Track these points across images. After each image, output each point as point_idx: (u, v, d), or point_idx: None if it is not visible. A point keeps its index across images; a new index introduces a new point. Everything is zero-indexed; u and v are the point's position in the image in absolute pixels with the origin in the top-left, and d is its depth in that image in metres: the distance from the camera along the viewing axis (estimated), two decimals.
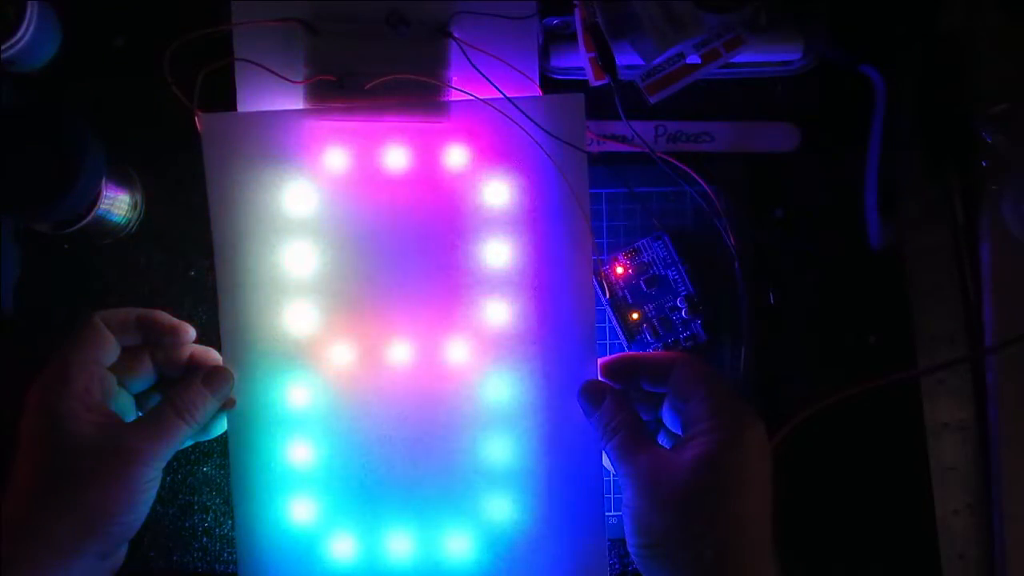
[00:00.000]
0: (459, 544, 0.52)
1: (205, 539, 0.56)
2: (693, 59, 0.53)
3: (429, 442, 0.53)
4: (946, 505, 0.55)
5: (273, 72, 0.52)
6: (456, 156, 0.53)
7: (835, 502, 0.56)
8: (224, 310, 0.52)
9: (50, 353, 0.47)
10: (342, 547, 0.52)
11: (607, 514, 0.54)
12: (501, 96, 0.52)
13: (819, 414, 0.53)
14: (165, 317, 0.51)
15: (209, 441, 0.54)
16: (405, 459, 0.52)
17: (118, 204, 0.55)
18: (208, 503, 0.56)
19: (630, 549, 0.45)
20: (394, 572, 0.52)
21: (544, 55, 0.55)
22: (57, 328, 0.56)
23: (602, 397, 0.49)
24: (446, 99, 0.52)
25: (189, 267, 0.57)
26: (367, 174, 0.53)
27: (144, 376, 0.50)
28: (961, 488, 0.55)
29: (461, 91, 0.52)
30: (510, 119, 0.52)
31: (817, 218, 0.57)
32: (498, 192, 0.53)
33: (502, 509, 0.52)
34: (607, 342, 0.57)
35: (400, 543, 0.52)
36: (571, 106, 0.52)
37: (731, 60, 0.54)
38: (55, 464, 0.44)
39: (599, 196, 0.57)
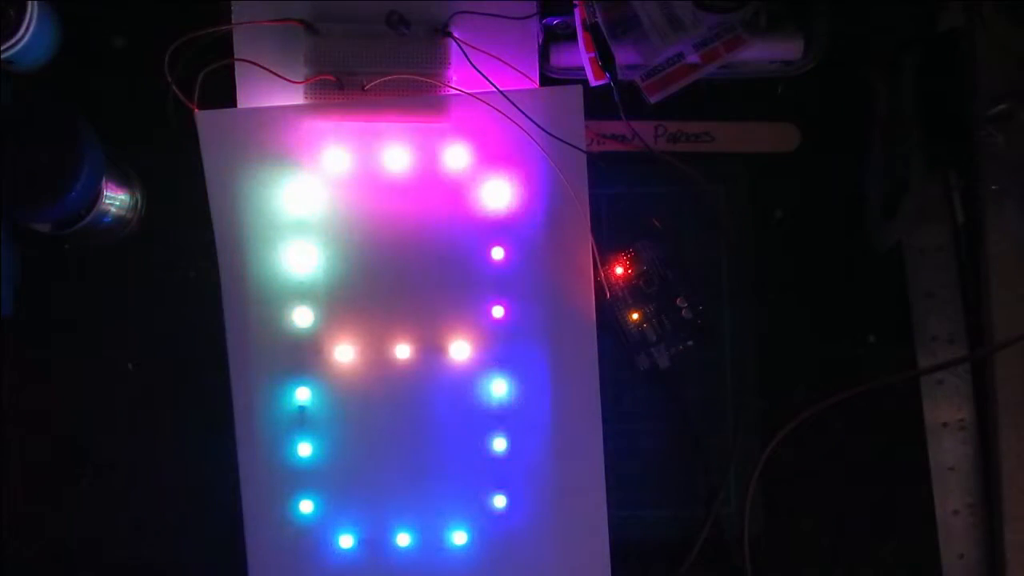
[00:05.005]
0: (460, 540, 0.52)
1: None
2: (693, 59, 0.53)
3: (431, 440, 0.53)
4: (946, 505, 0.55)
5: (273, 72, 0.52)
6: (456, 155, 0.53)
7: (835, 502, 0.56)
8: (228, 309, 0.52)
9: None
10: (346, 542, 0.53)
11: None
12: (499, 91, 0.52)
13: (819, 414, 0.53)
14: None
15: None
16: (407, 456, 0.53)
17: (118, 204, 0.55)
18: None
19: None
20: (397, 567, 0.53)
21: (544, 55, 0.55)
22: (57, 328, 0.56)
23: None
24: (445, 99, 0.52)
25: (189, 267, 0.57)
26: (367, 173, 0.53)
27: None
28: (961, 488, 0.55)
29: (460, 91, 0.52)
30: (508, 118, 0.52)
31: (817, 218, 0.57)
32: (498, 191, 0.53)
33: (503, 505, 0.52)
34: (607, 342, 0.57)
35: (402, 538, 0.53)
36: (569, 98, 0.52)
37: (731, 60, 0.54)
38: None
39: (599, 196, 0.57)
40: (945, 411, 0.56)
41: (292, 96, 0.53)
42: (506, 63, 0.53)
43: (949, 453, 0.56)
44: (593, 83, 0.53)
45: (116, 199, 0.55)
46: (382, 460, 0.53)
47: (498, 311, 0.53)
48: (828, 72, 0.56)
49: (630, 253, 0.56)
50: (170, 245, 0.57)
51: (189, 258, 0.56)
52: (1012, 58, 0.55)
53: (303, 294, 0.53)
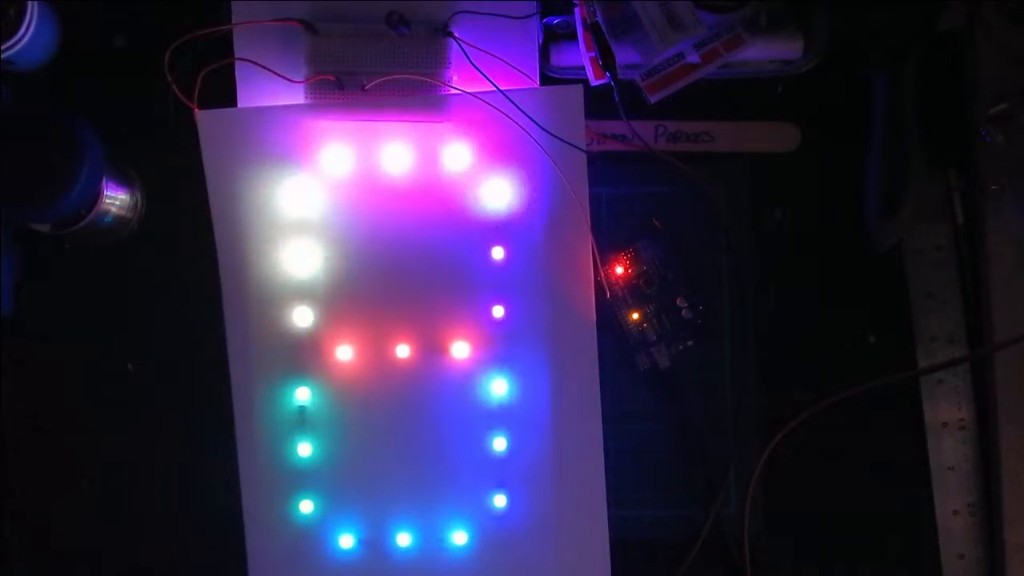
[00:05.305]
0: (461, 540, 0.52)
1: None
2: (693, 59, 0.53)
3: (431, 440, 0.53)
4: (946, 505, 0.55)
5: (273, 72, 0.52)
6: (456, 155, 0.53)
7: (835, 502, 0.56)
8: (228, 309, 0.52)
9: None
10: (346, 542, 0.53)
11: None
12: (499, 91, 0.52)
13: (819, 414, 0.53)
14: None
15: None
16: (408, 456, 0.53)
17: (118, 204, 0.55)
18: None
19: None
20: (397, 566, 0.53)
21: (544, 55, 0.55)
22: (57, 328, 0.56)
23: None
24: (446, 98, 0.52)
25: (190, 266, 0.57)
26: (367, 173, 0.53)
27: None
28: (961, 488, 0.55)
29: (460, 90, 0.52)
30: (509, 118, 0.52)
31: (817, 218, 0.57)
32: (498, 191, 0.53)
33: (503, 505, 0.53)
34: (607, 342, 0.57)
35: (403, 538, 0.53)
36: (569, 97, 0.52)
37: (731, 60, 0.54)
38: None
39: (599, 196, 0.57)
40: (945, 411, 0.56)
41: (292, 96, 0.53)
42: (506, 63, 0.53)
43: (949, 453, 0.56)
44: (593, 83, 0.53)
45: (116, 199, 0.55)
46: (382, 460, 0.53)
47: (498, 311, 0.53)
48: (828, 72, 0.56)
49: (630, 253, 0.56)
50: (170, 245, 0.57)
51: (189, 258, 0.56)
52: (1012, 58, 0.55)
53: (303, 294, 0.53)
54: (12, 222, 0.54)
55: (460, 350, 0.53)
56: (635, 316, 0.56)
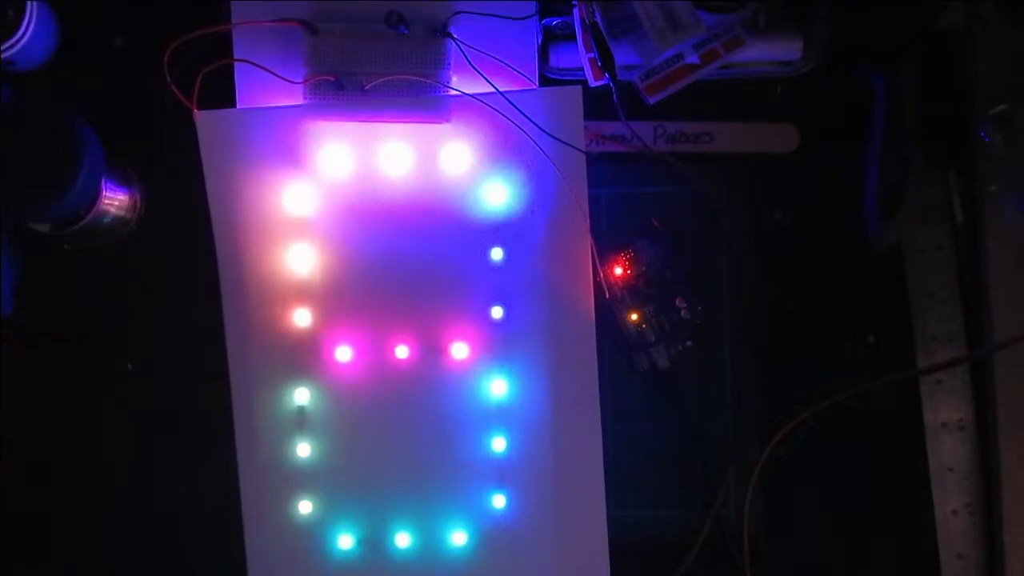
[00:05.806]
0: (460, 540, 0.53)
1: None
2: (692, 59, 0.53)
3: (430, 440, 0.53)
4: (945, 505, 0.55)
5: (273, 72, 0.52)
6: (455, 156, 0.53)
7: (834, 502, 0.56)
8: (228, 310, 0.53)
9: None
10: (346, 542, 0.53)
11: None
12: (498, 92, 0.52)
13: (819, 414, 0.53)
14: None
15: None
16: (407, 456, 0.53)
17: (118, 204, 0.55)
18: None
19: None
20: (396, 567, 0.53)
21: (543, 56, 0.55)
22: (57, 328, 0.56)
23: None
24: (445, 99, 0.52)
25: (189, 267, 0.57)
26: (367, 174, 0.53)
27: None
28: (960, 488, 0.55)
29: (460, 91, 0.52)
30: (508, 118, 0.52)
31: (817, 218, 0.57)
32: (497, 191, 0.53)
33: (503, 505, 0.53)
34: (607, 343, 0.57)
35: (402, 538, 0.53)
36: (568, 98, 0.52)
37: (731, 60, 0.54)
38: None
39: (599, 196, 0.57)
40: (944, 411, 0.56)
41: (291, 96, 0.53)
42: (505, 64, 0.53)
43: (948, 453, 0.56)
44: (592, 84, 0.53)
45: (116, 199, 0.55)
46: (381, 460, 0.53)
47: (497, 312, 0.53)
48: (828, 72, 0.56)
49: (629, 253, 0.56)
50: (170, 245, 0.57)
51: (189, 258, 0.56)
52: (1012, 58, 0.55)
53: (302, 294, 0.53)
54: (12, 222, 0.54)
55: (459, 351, 0.53)
56: (634, 317, 0.56)
